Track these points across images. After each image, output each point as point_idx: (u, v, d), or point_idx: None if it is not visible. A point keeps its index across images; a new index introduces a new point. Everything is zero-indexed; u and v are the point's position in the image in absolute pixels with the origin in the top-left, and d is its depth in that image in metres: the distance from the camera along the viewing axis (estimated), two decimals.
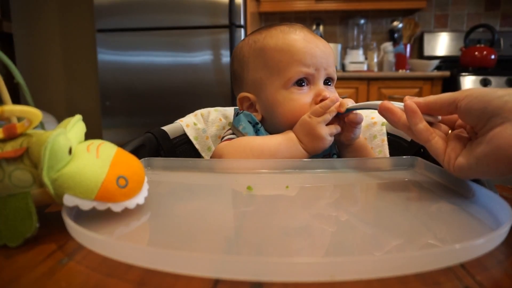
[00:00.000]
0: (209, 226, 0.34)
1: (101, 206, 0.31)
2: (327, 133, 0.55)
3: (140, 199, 0.34)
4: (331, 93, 0.60)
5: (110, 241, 0.29)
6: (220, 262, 0.25)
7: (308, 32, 0.62)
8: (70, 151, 0.32)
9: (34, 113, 0.32)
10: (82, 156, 0.33)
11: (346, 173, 0.50)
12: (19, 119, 0.34)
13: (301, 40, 0.59)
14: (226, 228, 0.34)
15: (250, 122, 0.63)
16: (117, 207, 0.32)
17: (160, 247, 0.30)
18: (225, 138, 0.64)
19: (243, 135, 0.62)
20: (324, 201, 0.41)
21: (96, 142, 0.36)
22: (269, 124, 0.63)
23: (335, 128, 0.56)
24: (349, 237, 0.32)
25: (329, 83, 0.62)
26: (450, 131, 0.42)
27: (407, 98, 0.42)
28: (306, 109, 0.58)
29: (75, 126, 0.36)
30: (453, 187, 0.42)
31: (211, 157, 0.64)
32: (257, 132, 0.63)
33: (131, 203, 0.33)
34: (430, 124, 0.42)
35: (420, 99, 0.41)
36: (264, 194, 0.43)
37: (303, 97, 0.59)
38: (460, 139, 0.39)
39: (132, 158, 0.37)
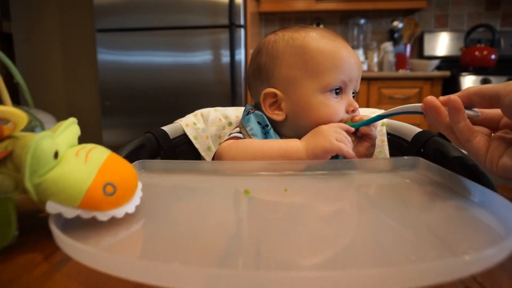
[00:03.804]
0: (203, 235, 0.32)
1: (86, 215, 0.29)
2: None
3: (130, 207, 0.32)
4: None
5: (96, 253, 0.26)
6: (213, 276, 0.23)
7: (344, 41, 0.62)
8: (56, 155, 0.30)
9: (17, 114, 0.31)
10: (69, 161, 0.31)
11: (346, 175, 0.49)
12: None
13: (342, 49, 0.60)
14: (221, 238, 0.31)
15: (259, 123, 0.62)
16: (103, 216, 0.30)
17: (151, 258, 0.28)
18: (232, 135, 0.63)
19: (249, 136, 0.61)
20: (324, 205, 0.40)
21: (88, 147, 0.34)
22: (291, 126, 0.62)
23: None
24: (351, 246, 0.30)
25: (353, 95, 0.63)
26: (493, 134, 0.40)
27: (441, 97, 0.40)
28: (339, 116, 0.59)
29: (68, 129, 0.34)
30: (457, 189, 0.41)
31: (213, 156, 0.63)
32: (266, 135, 0.62)
33: (119, 212, 0.31)
34: (471, 121, 0.39)
35: (459, 93, 0.39)
36: (262, 198, 0.41)
37: (338, 104, 0.59)
38: (504, 139, 0.37)
39: (124, 164, 0.35)
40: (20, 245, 0.31)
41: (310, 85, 0.59)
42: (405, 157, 0.51)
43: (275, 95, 0.62)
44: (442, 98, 0.41)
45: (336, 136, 0.53)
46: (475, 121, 0.40)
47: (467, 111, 0.39)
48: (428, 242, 0.30)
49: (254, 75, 0.67)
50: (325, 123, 0.58)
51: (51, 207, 0.29)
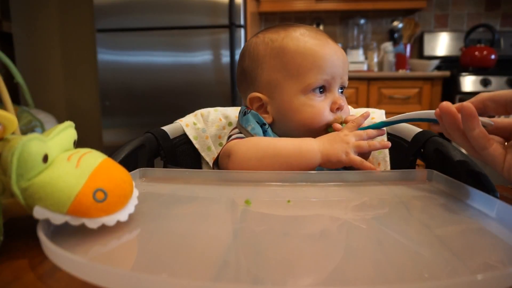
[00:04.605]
0: (197, 246, 0.30)
1: (75, 221, 0.28)
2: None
3: (122, 216, 0.31)
4: (344, 102, 0.61)
5: (84, 263, 0.25)
6: None
7: (327, 37, 0.61)
8: (45, 159, 0.29)
9: (7, 117, 0.30)
10: (60, 165, 0.30)
11: (354, 187, 0.46)
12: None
13: (322, 46, 0.58)
14: (215, 250, 0.29)
15: (257, 122, 0.62)
16: (92, 223, 0.29)
17: (141, 269, 0.27)
18: (233, 137, 0.62)
19: (251, 136, 0.60)
20: (329, 220, 0.37)
21: (82, 151, 0.33)
22: (280, 127, 0.62)
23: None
24: (357, 262, 0.28)
25: (341, 91, 0.63)
26: (506, 143, 0.39)
27: (455, 105, 0.39)
28: (324, 116, 0.58)
29: (62, 133, 0.33)
30: (473, 204, 0.39)
31: (218, 155, 0.62)
32: (264, 133, 0.61)
33: (109, 220, 0.30)
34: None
35: (472, 99, 0.38)
36: (262, 210, 0.40)
37: (321, 104, 0.58)
38: None
39: (118, 170, 0.34)
40: (6, 252, 0.30)
41: (291, 87, 0.59)
42: (419, 170, 0.49)
43: (260, 99, 0.62)
44: (455, 105, 0.40)
45: (355, 147, 0.52)
46: (487, 130, 0.39)
47: (481, 119, 0.38)
48: (442, 259, 0.28)
49: (240, 78, 0.67)
50: (310, 124, 0.58)
51: (39, 213, 0.28)
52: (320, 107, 0.58)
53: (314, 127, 0.58)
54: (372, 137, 0.54)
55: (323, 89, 0.59)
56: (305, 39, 0.59)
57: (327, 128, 0.59)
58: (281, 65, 0.59)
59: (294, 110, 0.59)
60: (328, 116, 0.59)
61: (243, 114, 0.64)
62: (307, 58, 0.58)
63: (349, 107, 0.77)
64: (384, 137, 0.69)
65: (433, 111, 0.42)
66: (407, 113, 0.50)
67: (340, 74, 0.60)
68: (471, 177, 0.44)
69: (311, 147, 0.53)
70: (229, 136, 0.64)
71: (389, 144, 0.54)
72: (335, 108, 0.59)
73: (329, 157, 0.52)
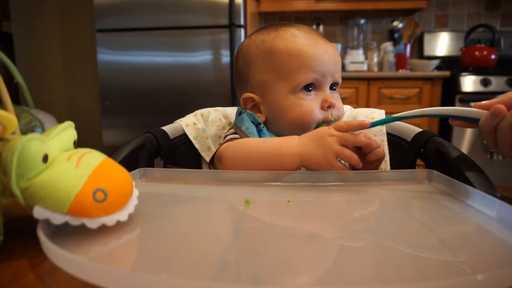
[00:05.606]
0: (197, 246, 0.30)
1: (74, 221, 0.28)
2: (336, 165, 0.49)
3: (122, 216, 0.31)
4: (336, 99, 0.60)
5: (84, 263, 0.25)
6: None
7: (318, 36, 0.62)
8: (45, 159, 0.29)
9: (7, 117, 0.30)
10: (60, 165, 0.30)
11: (354, 187, 0.46)
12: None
13: (311, 46, 0.59)
14: (215, 250, 0.29)
15: (253, 122, 0.62)
16: (92, 223, 0.29)
17: (141, 269, 0.27)
18: (228, 138, 0.63)
19: (246, 135, 0.61)
20: (330, 220, 0.37)
21: (82, 151, 0.33)
22: (273, 126, 0.63)
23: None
24: (356, 265, 0.27)
25: (334, 88, 0.63)
26: None
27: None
28: (314, 114, 0.58)
29: (62, 133, 0.33)
30: (473, 204, 0.39)
31: (212, 158, 0.63)
32: (259, 133, 0.62)
33: (109, 220, 0.30)
34: None
35: (504, 96, 0.40)
36: (262, 210, 0.40)
37: (311, 102, 0.59)
38: None
39: (118, 170, 0.34)
40: (6, 252, 0.30)
41: (281, 87, 0.59)
42: (419, 170, 0.49)
43: (253, 99, 0.63)
44: (492, 101, 0.42)
45: (337, 152, 0.48)
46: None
47: None
48: (442, 259, 0.28)
49: (236, 79, 0.68)
50: (301, 123, 0.58)
51: (39, 213, 0.28)
52: (309, 106, 0.59)
53: (304, 125, 0.59)
54: (360, 145, 0.50)
55: (312, 87, 0.59)
56: (294, 40, 0.60)
57: (317, 125, 0.59)
58: (271, 66, 0.60)
59: (285, 110, 0.59)
60: (318, 115, 0.59)
61: (238, 114, 0.65)
62: (295, 58, 0.58)
63: (349, 106, 0.77)
64: (385, 138, 0.69)
65: (475, 109, 0.45)
66: (449, 108, 0.48)
67: (331, 72, 0.60)
68: (471, 176, 0.44)
69: (290, 149, 0.51)
70: (225, 136, 0.65)
71: (368, 124, 0.49)
72: (326, 106, 0.59)
73: (309, 162, 0.50)
